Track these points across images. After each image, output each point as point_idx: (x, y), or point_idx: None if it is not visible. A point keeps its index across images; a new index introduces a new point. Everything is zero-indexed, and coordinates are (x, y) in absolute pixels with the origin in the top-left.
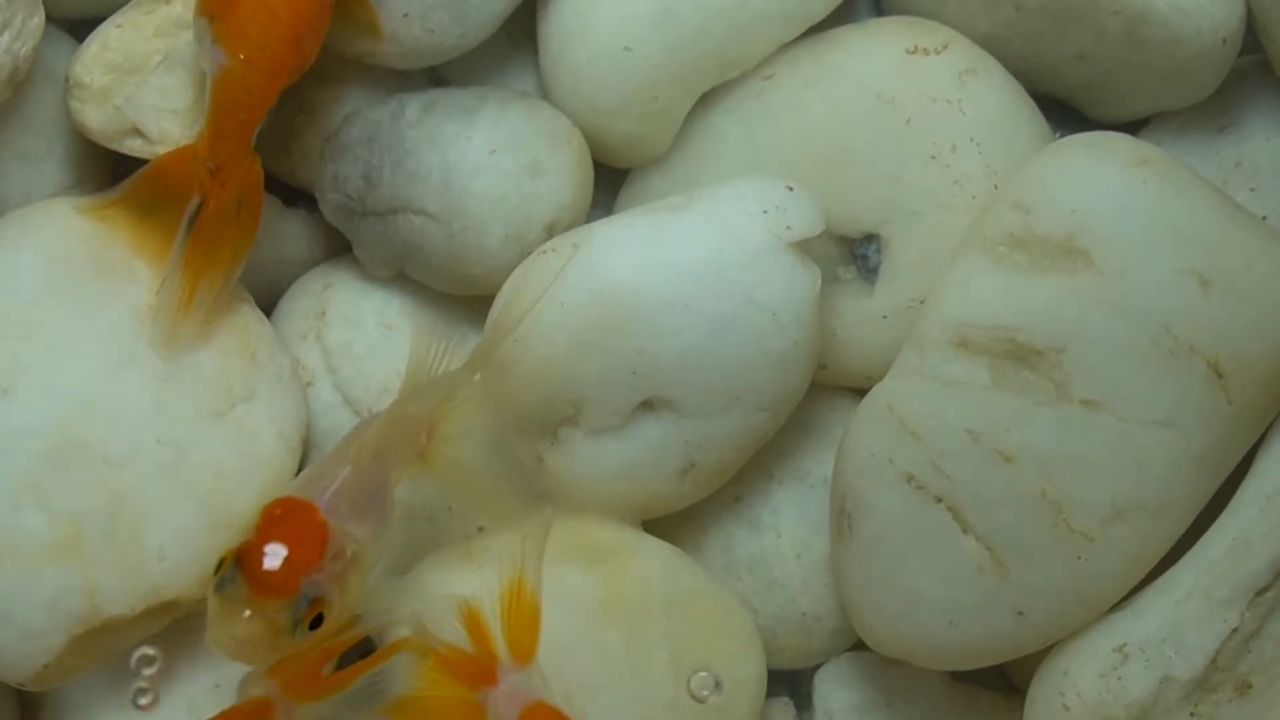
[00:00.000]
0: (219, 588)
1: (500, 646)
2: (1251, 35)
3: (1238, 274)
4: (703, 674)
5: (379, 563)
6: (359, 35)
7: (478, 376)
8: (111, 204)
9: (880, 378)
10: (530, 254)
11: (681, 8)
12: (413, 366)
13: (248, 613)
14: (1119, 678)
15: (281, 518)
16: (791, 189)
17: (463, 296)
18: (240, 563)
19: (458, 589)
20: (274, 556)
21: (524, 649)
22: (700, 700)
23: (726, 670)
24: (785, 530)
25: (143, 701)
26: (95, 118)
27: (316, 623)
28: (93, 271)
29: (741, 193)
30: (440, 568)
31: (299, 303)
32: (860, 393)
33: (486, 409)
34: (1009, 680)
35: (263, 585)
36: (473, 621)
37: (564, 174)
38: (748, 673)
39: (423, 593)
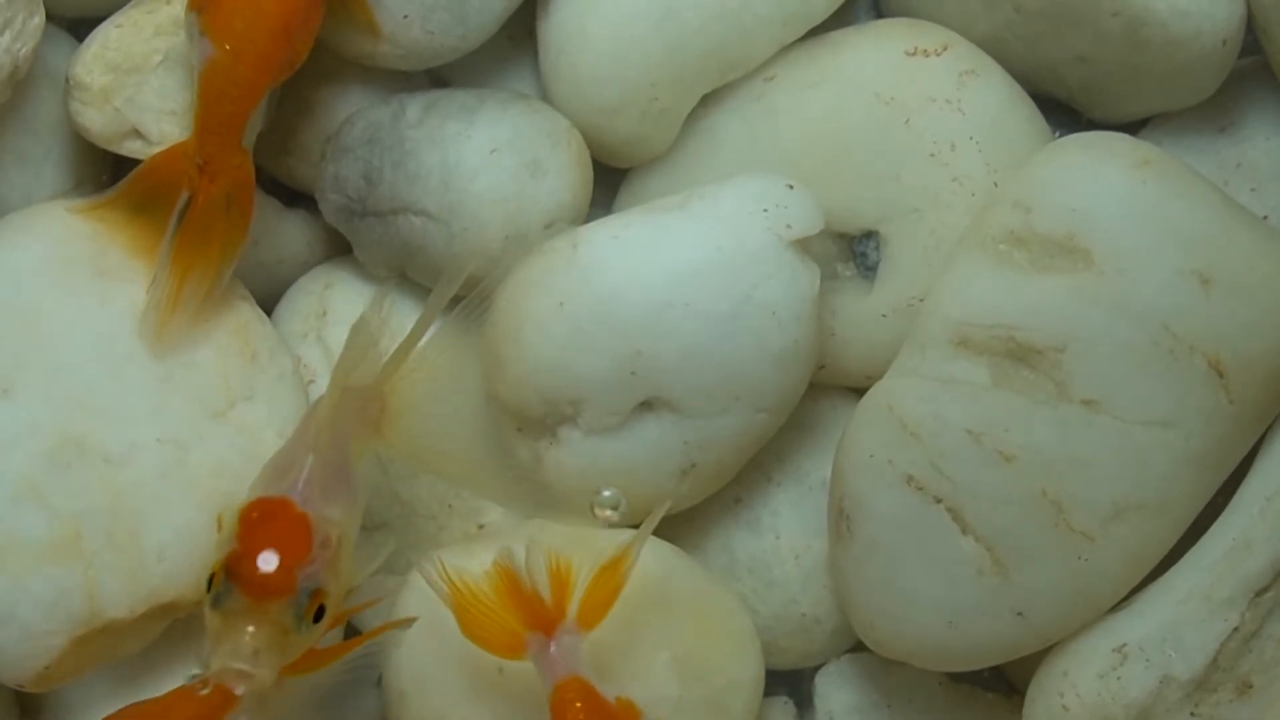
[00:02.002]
0: (216, 604)
1: (574, 605)
2: (1252, 36)
3: (1238, 273)
4: (606, 493)
5: (355, 538)
6: (358, 36)
7: (423, 345)
8: (106, 205)
9: (880, 377)
10: (530, 254)
11: (682, 9)
12: (349, 342)
13: (243, 627)
14: (1119, 678)
15: (262, 519)
16: (791, 187)
17: (463, 296)
18: (232, 574)
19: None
20: (266, 560)
21: (591, 618)
22: (602, 520)
23: (726, 671)
24: (785, 531)
25: None
26: (95, 120)
27: (319, 614)
28: (92, 272)
29: (741, 191)
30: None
31: (300, 303)
32: (860, 392)
33: (441, 378)
34: (1008, 681)
35: (261, 590)
36: (558, 572)
37: (564, 174)
38: (746, 673)
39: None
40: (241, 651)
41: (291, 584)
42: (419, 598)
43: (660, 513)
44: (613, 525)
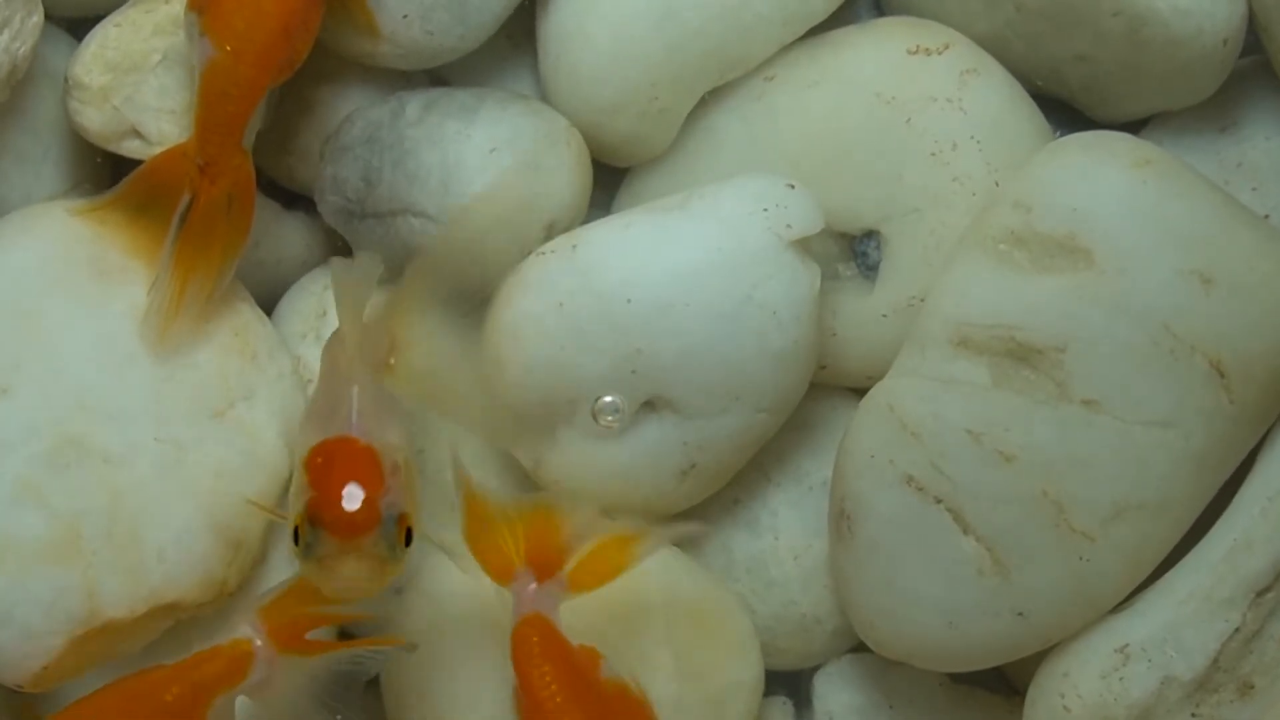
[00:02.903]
0: (308, 554)
1: (572, 562)
2: (1253, 36)
3: (1239, 273)
4: (608, 399)
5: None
6: (357, 36)
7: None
8: (106, 206)
9: (880, 377)
10: (530, 254)
11: (681, 8)
12: (340, 281)
13: (348, 563)
14: (1120, 678)
15: (330, 461)
16: (791, 187)
17: None
18: (317, 520)
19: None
20: (348, 498)
21: (583, 581)
22: (604, 426)
23: (725, 671)
24: (784, 532)
25: None
26: (94, 119)
27: (409, 538)
28: (91, 272)
29: (741, 191)
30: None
31: (299, 303)
32: (860, 393)
33: (432, 316)
34: (1009, 681)
35: (350, 529)
36: (575, 528)
37: (564, 174)
38: (745, 674)
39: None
40: (342, 589)
41: (376, 515)
42: (415, 599)
43: (693, 530)
44: (607, 426)
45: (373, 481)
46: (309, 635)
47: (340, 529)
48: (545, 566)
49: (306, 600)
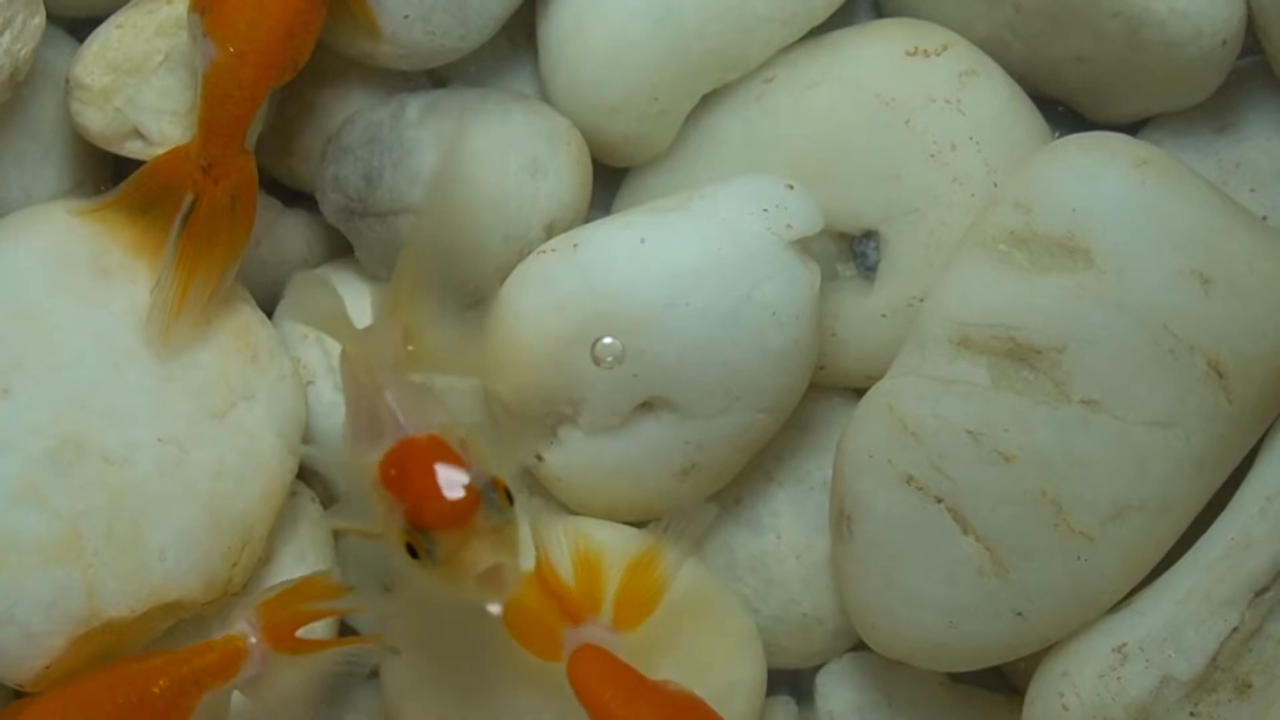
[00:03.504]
0: (433, 562)
1: (608, 602)
2: (1252, 36)
3: (1238, 273)
4: (607, 340)
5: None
6: (358, 36)
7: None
8: (107, 206)
9: (880, 377)
10: (530, 254)
11: (681, 9)
12: (305, 295)
13: (473, 548)
14: (1118, 678)
15: (404, 468)
16: (791, 187)
17: None
18: (424, 528)
19: None
20: (446, 490)
21: (628, 617)
22: (605, 366)
23: (727, 671)
24: (785, 531)
25: None
26: (96, 120)
27: (509, 495)
28: (92, 272)
29: (741, 191)
30: None
31: None
32: (860, 393)
33: (429, 284)
34: (1008, 681)
35: (457, 518)
36: (587, 564)
37: (564, 174)
38: (747, 673)
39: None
40: (480, 574)
41: (474, 492)
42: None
43: (705, 525)
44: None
45: (453, 464)
46: (301, 633)
47: (448, 521)
48: (578, 615)
49: (309, 599)
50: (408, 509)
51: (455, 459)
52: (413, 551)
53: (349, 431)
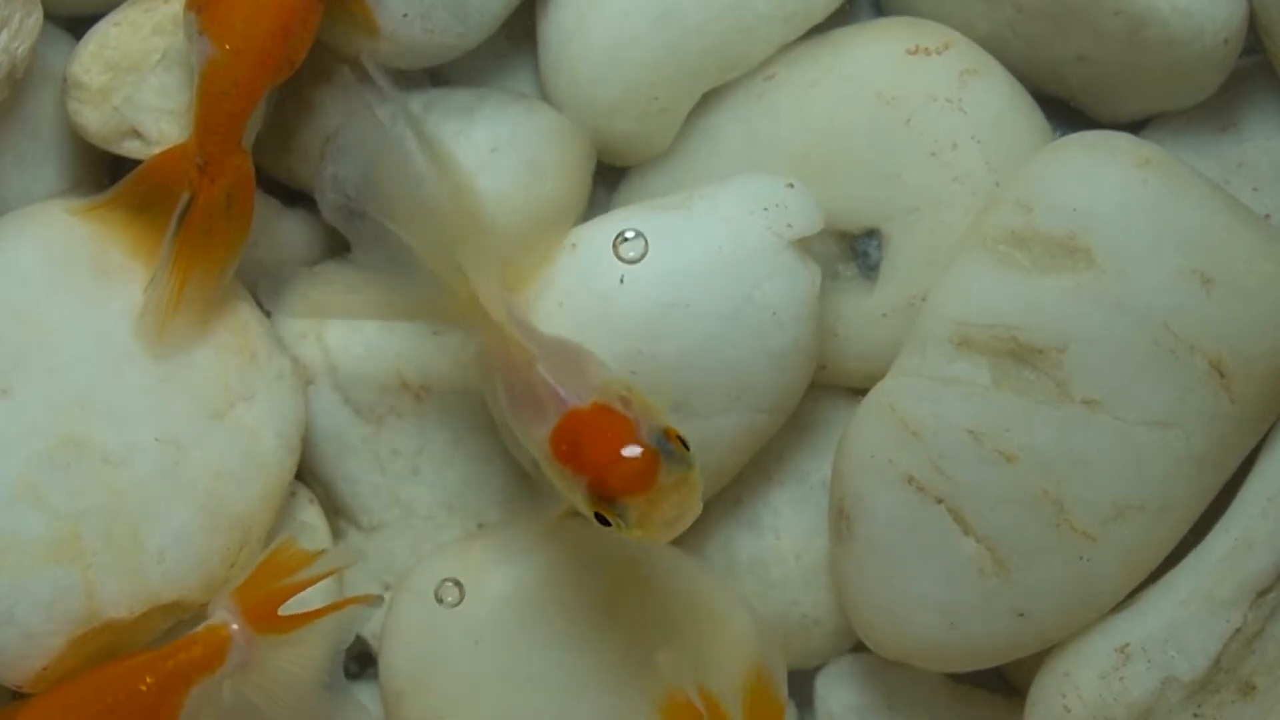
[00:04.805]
0: (625, 526)
1: None
2: (1253, 35)
3: (1239, 273)
4: (630, 234)
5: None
6: (356, 34)
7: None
8: (104, 205)
9: (880, 377)
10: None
11: (682, 7)
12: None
13: (663, 506)
14: (1120, 678)
15: (576, 440)
16: (791, 187)
17: None
18: (610, 496)
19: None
20: (625, 453)
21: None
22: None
23: (727, 671)
24: (785, 532)
25: None
26: (94, 119)
27: (684, 442)
28: (91, 272)
29: (741, 191)
30: (441, 561)
31: None
32: (860, 393)
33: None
34: (1009, 682)
35: (641, 480)
36: (713, 708)
37: (564, 173)
38: (747, 673)
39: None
40: (670, 525)
41: (651, 449)
42: (414, 599)
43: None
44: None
45: (622, 427)
46: (282, 610)
47: (634, 485)
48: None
49: (278, 575)
50: (590, 482)
51: (623, 422)
52: (603, 519)
53: (511, 413)
